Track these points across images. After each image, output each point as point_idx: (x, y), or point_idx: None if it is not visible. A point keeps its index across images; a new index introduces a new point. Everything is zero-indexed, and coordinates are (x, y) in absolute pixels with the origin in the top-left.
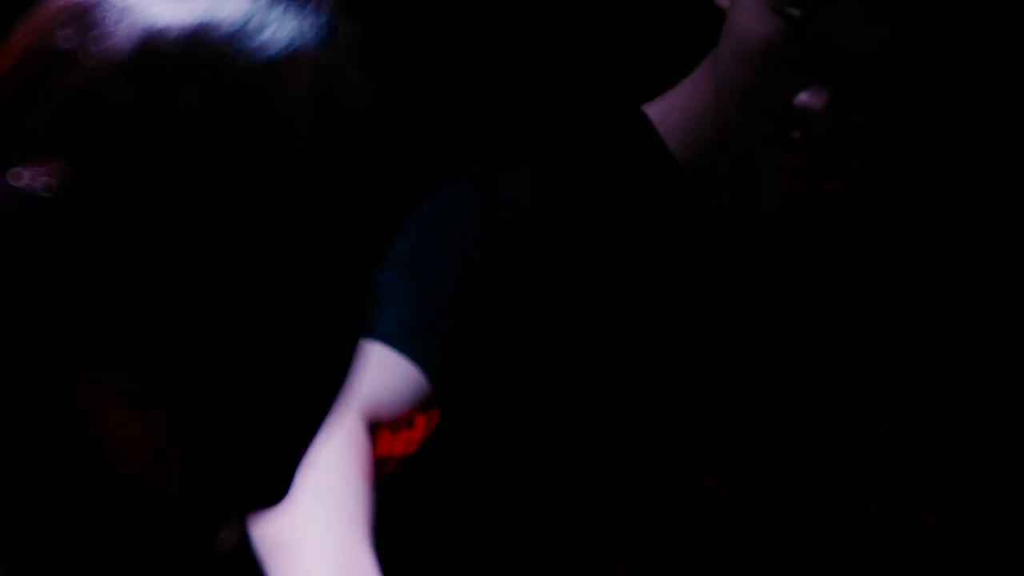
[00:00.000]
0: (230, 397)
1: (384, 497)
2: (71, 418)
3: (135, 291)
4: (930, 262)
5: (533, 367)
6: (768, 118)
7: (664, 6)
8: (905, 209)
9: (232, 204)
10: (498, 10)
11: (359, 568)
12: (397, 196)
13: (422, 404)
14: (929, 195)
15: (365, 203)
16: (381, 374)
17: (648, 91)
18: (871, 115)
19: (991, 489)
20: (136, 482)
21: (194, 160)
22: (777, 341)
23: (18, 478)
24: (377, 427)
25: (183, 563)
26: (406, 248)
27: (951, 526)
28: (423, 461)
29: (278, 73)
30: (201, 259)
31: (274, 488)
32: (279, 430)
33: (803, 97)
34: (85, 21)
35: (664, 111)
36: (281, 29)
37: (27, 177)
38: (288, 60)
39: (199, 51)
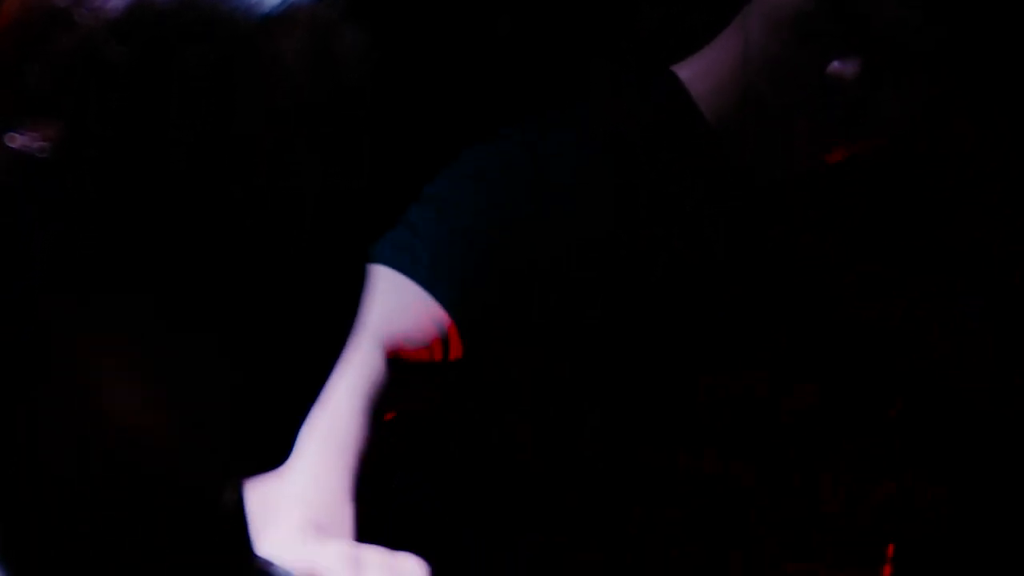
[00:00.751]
0: (230, 362)
1: (379, 450)
2: (72, 385)
3: (134, 256)
4: (930, 262)
5: (533, 366)
6: (798, 86)
7: None
8: (906, 208)
9: (230, 163)
10: None
11: (335, 520)
12: (396, 156)
13: (445, 342)
14: (933, 194)
15: (364, 160)
16: (407, 311)
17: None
18: (902, 86)
19: (991, 488)
20: (138, 448)
21: (191, 119)
22: (777, 340)
23: (22, 451)
24: (398, 360)
25: (186, 527)
26: (446, 188)
27: (951, 524)
28: (413, 426)
29: (274, 30)
30: (200, 221)
31: (275, 451)
32: (279, 395)
33: (835, 66)
34: None
35: (694, 73)
36: None
37: (23, 139)
38: (284, 17)
39: (194, 8)
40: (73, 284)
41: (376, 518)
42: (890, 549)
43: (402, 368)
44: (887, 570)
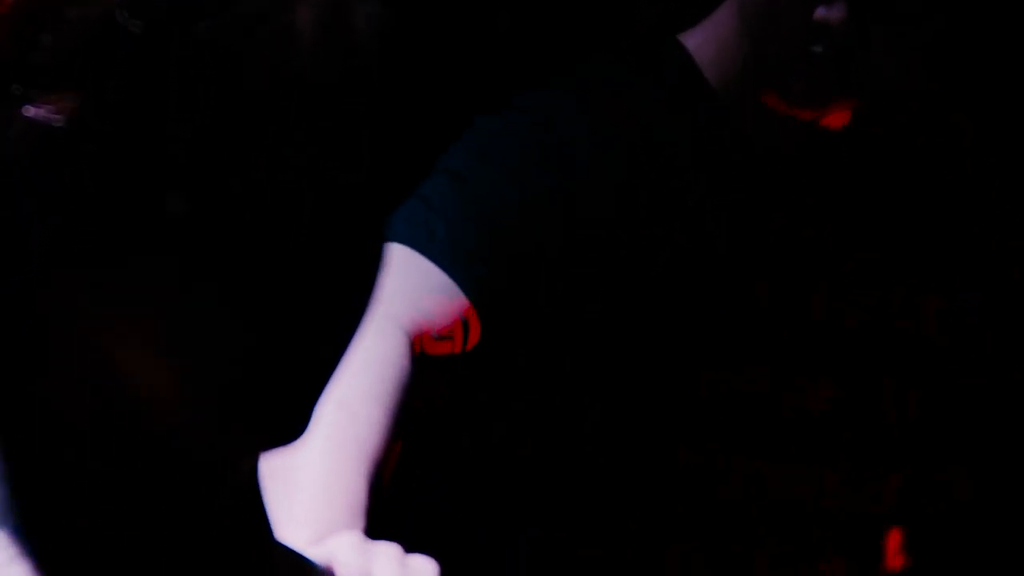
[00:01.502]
0: (242, 334)
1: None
2: (85, 357)
3: (149, 224)
4: (929, 256)
5: (538, 355)
6: (789, 35)
7: None
8: (905, 202)
9: (244, 130)
10: None
11: (346, 514)
12: (407, 124)
13: (464, 324)
14: (932, 188)
15: (364, 155)
16: (424, 289)
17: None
18: (892, 40)
19: (989, 482)
20: (153, 419)
21: (203, 87)
22: (779, 335)
23: (39, 421)
24: (420, 332)
25: (201, 499)
26: (459, 162)
27: (950, 520)
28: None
29: (290, 3)
30: (215, 187)
31: (289, 425)
32: (293, 368)
33: (821, 11)
34: None
35: (698, 42)
36: None
37: (37, 111)
38: None
39: None
40: (89, 256)
41: (392, 517)
42: (891, 541)
43: (421, 354)
44: (887, 563)
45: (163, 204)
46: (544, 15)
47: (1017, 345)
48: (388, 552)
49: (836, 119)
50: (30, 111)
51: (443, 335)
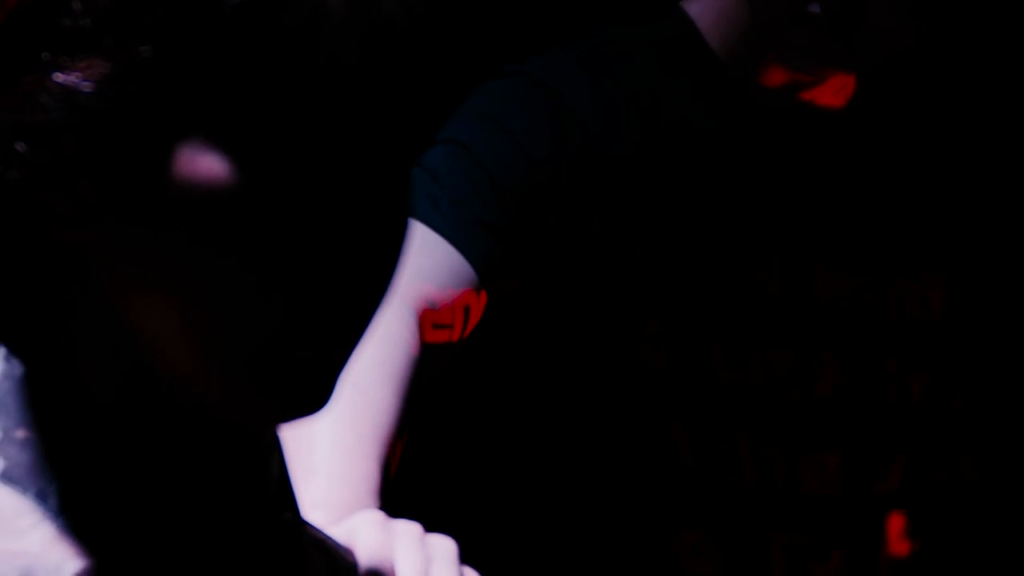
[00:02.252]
0: (275, 297)
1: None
2: (116, 321)
3: (179, 192)
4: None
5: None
6: None
7: None
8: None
9: (271, 98)
10: None
11: (362, 495)
12: (434, 85)
13: (468, 294)
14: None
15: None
16: (432, 264)
17: None
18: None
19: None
20: (180, 387)
21: (232, 52)
22: (782, 320)
23: (65, 387)
24: (425, 314)
25: (224, 465)
26: (465, 132)
27: (954, 504)
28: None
29: None
30: (244, 147)
31: (317, 393)
32: (324, 332)
33: None
34: None
35: (700, 8)
36: None
37: (67, 77)
38: None
39: None
40: (119, 220)
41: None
42: (895, 526)
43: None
44: (891, 547)
45: (194, 169)
46: None
47: (1020, 329)
48: (408, 530)
49: (836, 97)
50: (60, 77)
51: (442, 323)
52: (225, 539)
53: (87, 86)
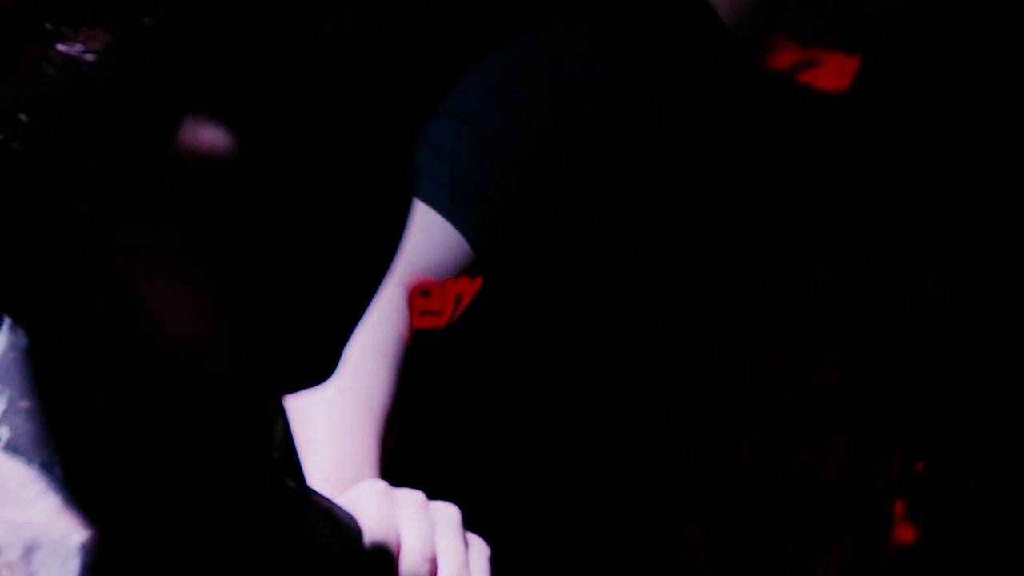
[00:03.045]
0: (279, 265)
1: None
2: (118, 286)
3: (185, 158)
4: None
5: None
6: None
7: None
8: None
9: (274, 67)
10: None
11: (362, 469)
12: (442, 55)
13: (464, 273)
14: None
15: (412, 57)
16: (428, 241)
17: None
18: None
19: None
20: (185, 356)
21: (235, 21)
22: (783, 314)
23: (72, 355)
24: (419, 294)
25: (228, 433)
26: (468, 105)
27: (957, 495)
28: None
29: None
30: (247, 118)
31: (323, 361)
32: (331, 299)
33: None
34: None
35: None
36: None
37: (70, 47)
38: None
39: None
40: (124, 189)
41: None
42: (898, 517)
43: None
44: (895, 539)
45: (197, 140)
46: None
47: (978, 318)
48: (412, 498)
49: (838, 80)
50: (62, 48)
51: (431, 309)
52: (229, 507)
53: (90, 56)
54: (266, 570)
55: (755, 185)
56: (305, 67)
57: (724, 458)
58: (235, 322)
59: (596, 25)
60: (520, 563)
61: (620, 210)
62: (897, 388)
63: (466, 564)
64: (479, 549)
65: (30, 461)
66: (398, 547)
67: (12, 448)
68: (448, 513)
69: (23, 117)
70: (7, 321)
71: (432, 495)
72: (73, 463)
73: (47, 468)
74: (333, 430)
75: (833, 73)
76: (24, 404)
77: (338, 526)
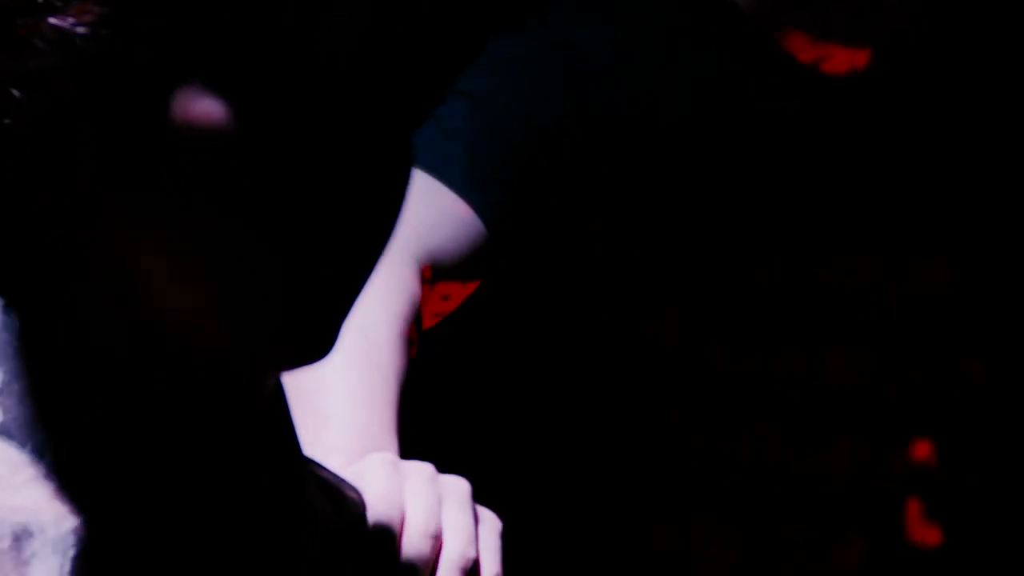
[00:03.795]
0: (276, 240)
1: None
2: (122, 274)
3: (183, 148)
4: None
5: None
6: None
7: None
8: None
9: (270, 39)
10: None
11: (379, 437)
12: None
13: (478, 255)
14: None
15: (412, 57)
16: (437, 215)
17: None
18: None
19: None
20: (183, 335)
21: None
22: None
23: (69, 340)
24: (433, 274)
25: (229, 413)
26: (483, 84)
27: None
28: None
29: None
30: (246, 103)
31: (321, 339)
32: (327, 278)
33: None
34: None
35: None
36: None
37: (61, 20)
38: None
39: None
40: (120, 175)
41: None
42: (912, 515)
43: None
44: (910, 537)
45: (192, 113)
46: None
47: (981, 314)
48: (420, 470)
49: (842, 64)
50: (54, 20)
51: (458, 267)
52: (224, 494)
53: (82, 29)
54: (263, 557)
55: (755, 185)
56: (302, 39)
57: (724, 458)
58: (231, 299)
59: (608, 8)
60: (520, 563)
61: (620, 210)
62: (897, 388)
63: (474, 540)
64: (490, 524)
65: (23, 445)
66: (402, 523)
67: (4, 432)
68: (457, 486)
69: (15, 92)
70: (0, 302)
71: None
72: (67, 448)
73: (40, 453)
74: (348, 400)
75: (844, 65)
76: (18, 387)
77: (341, 504)
